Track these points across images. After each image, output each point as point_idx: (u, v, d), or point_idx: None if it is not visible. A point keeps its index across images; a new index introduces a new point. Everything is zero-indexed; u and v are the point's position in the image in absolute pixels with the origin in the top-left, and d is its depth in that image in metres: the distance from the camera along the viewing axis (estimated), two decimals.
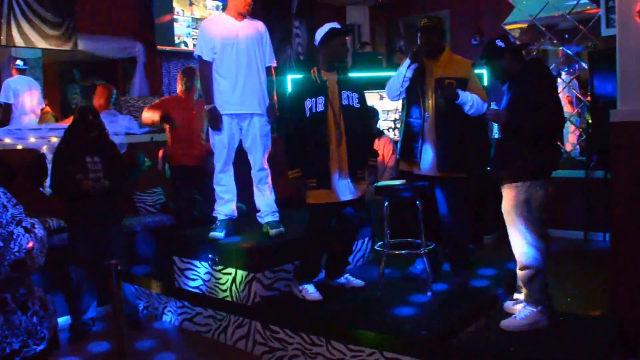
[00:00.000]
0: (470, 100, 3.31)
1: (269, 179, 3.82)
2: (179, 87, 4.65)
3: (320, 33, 3.35)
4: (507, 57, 2.95)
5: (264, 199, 3.81)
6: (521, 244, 2.92)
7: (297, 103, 3.32)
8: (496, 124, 3.63)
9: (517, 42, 3.01)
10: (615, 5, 3.22)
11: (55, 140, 4.61)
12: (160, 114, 4.45)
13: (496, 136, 5.65)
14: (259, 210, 3.86)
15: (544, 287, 2.95)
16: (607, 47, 5.12)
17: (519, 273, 2.97)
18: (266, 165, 3.79)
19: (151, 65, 5.67)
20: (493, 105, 3.06)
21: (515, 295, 3.22)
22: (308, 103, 3.29)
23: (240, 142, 3.80)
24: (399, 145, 3.66)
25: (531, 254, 2.90)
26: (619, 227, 3.17)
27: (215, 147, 3.76)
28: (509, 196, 2.95)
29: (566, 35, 6.47)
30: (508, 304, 3.19)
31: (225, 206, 3.83)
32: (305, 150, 3.33)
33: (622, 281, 3.16)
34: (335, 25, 3.36)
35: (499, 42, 2.97)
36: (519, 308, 3.00)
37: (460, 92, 3.30)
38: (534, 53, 6.49)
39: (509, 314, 3.02)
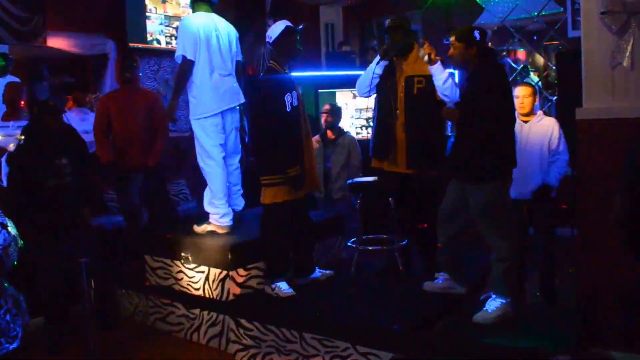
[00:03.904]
0: (446, 74, 3.23)
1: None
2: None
3: (277, 31, 3.35)
4: (473, 50, 2.99)
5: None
6: (495, 238, 3.01)
7: (279, 98, 3.29)
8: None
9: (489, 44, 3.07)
10: (580, 8, 3.32)
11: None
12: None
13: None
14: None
15: (514, 280, 3.03)
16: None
17: (497, 265, 3.02)
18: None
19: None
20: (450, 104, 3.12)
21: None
22: (288, 97, 3.30)
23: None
24: (370, 142, 3.69)
25: (507, 246, 2.99)
26: (585, 222, 3.27)
27: None
28: (473, 197, 3.02)
29: (535, 37, 6.63)
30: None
31: None
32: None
33: (587, 274, 3.26)
34: (289, 23, 3.40)
35: (476, 33, 3.01)
36: (489, 301, 3.06)
37: (436, 65, 3.26)
38: (504, 54, 6.63)
39: (480, 307, 3.08)
